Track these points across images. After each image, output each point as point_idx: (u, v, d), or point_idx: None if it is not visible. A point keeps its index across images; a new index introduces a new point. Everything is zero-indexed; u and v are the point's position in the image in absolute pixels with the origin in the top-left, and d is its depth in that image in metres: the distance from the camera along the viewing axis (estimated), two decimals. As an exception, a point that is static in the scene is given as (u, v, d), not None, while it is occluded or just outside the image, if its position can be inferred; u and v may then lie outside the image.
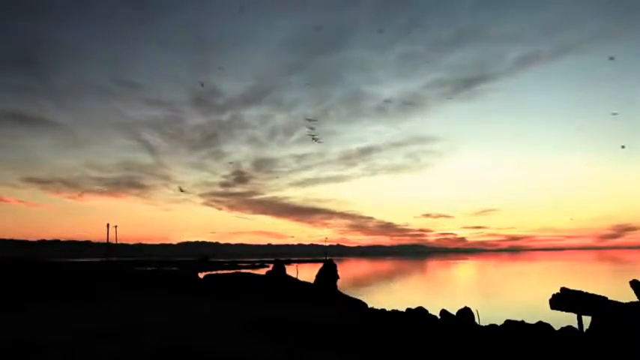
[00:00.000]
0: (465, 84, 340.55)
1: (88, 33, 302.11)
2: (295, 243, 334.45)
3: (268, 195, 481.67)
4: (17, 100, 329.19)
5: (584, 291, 15.61)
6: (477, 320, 18.48)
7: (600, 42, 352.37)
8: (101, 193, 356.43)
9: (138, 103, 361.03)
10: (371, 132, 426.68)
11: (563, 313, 15.99)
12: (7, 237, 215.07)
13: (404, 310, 21.21)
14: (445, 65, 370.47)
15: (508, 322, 16.41)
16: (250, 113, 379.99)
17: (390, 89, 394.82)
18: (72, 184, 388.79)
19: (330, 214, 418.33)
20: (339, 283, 30.04)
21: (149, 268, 64.34)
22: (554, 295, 15.95)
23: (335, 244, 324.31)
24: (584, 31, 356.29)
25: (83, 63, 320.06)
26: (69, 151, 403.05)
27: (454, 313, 19.06)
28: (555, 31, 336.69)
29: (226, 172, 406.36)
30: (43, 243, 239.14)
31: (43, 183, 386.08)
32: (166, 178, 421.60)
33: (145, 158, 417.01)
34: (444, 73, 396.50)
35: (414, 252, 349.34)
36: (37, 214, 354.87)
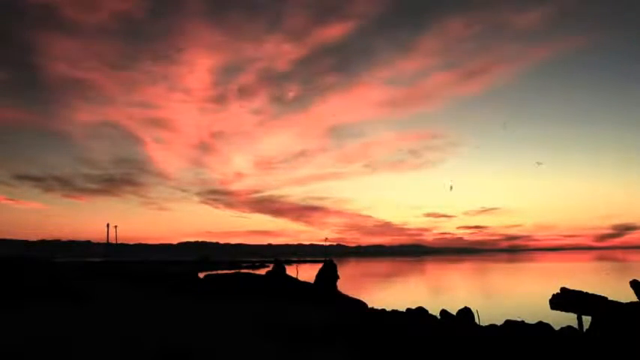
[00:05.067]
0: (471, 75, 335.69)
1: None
2: (295, 243, 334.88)
3: (266, 193, 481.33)
4: (5, 94, 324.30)
5: (584, 291, 15.64)
6: (477, 320, 18.50)
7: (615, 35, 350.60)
8: (97, 191, 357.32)
9: (131, 98, 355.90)
10: (369, 125, 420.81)
11: (563, 313, 16.02)
12: (7, 237, 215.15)
13: (404, 310, 21.23)
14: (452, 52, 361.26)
15: (508, 322, 16.43)
16: (249, 107, 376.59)
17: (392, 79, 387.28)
18: (65, 182, 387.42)
19: (329, 213, 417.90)
20: (339, 283, 30.03)
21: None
22: (554, 295, 15.99)
23: (335, 243, 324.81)
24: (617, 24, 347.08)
25: (74, 55, 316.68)
26: (60, 148, 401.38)
27: (454, 313, 19.07)
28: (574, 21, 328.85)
29: (225, 170, 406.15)
30: (43, 243, 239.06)
31: (36, 181, 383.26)
32: (162, 175, 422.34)
33: (140, 154, 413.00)
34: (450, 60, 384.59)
35: (414, 252, 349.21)
36: (33, 213, 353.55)
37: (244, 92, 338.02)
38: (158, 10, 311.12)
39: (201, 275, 39.39)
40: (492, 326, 16.92)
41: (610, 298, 15.19)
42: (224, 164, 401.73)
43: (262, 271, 37.06)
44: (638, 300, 15.04)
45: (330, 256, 38.86)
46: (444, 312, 19.42)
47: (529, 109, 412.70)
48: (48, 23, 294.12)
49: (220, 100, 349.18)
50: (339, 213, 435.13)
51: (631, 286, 15.54)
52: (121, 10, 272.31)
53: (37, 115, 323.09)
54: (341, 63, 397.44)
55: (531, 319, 16.57)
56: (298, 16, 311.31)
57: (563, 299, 15.60)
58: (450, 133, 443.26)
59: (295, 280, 30.90)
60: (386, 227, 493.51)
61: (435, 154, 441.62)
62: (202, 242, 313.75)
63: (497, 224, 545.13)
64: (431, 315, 19.84)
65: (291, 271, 37.26)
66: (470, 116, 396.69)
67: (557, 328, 15.71)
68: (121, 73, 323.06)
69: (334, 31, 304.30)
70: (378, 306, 24.69)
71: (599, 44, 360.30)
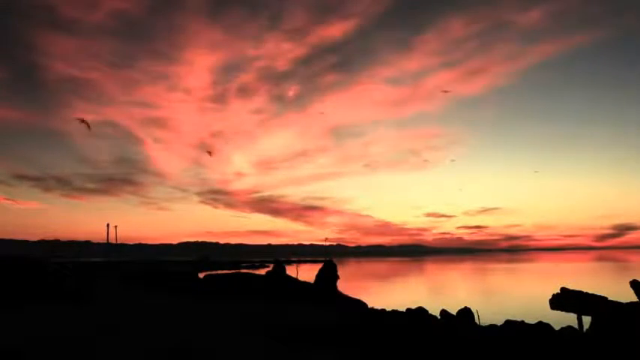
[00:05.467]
0: (472, 74, 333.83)
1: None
2: (295, 243, 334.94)
3: (266, 193, 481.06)
4: (3, 93, 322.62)
5: (584, 291, 15.63)
6: (477, 320, 18.50)
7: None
8: (96, 191, 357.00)
9: (130, 97, 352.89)
10: (369, 124, 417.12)
11: (563, 313, 16.01)
12: (6, 237, 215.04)
13: (404, 310, 21.23)
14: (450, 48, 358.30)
15: (508, 322, 16.43)
16: (249, 107, 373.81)
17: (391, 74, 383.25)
18: (64, 182, 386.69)
19: (329, 212, 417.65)
20: (339, 283, 30.03)
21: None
22: (554, 295, 15.97)
23: (335, 243, 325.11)
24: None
25: (73, 54, 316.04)
26: (60, 147, 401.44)
27: (454, 313, 19.07)
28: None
29: (224, 170, 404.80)
30: (42, 243, 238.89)
31: (35, 180, 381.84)
32: (162, 175, 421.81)
33: (140, 154, 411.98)
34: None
35: (414, 251, 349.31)
36: (33, 212, 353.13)
37: (244, 91, 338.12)
38: (157, 8, 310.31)
39: (201, 275, 39.39)
40: (492, 326, 16.92)
41: (610, 298, 15.19)
42: (224, 164, 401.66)
43: (262, 271, 37.03)
44: (638, 300, 15.03)
45: (330, 256, 38.78)
46: (444, 312, 19.41)
47: (530, 108, 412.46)
48: (46, 22, 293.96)
49: (220, 99, 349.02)
50: (339, 213, 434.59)
51: (631, 286, 15.52)
52: (120, 8, 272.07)
53: (35, 114, 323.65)
54: (341, 62, 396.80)
55: (531, 319, 16.57)
56: (298, 14, 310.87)
57: (563, 299, 15.59)
58: (451, 132, 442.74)
59: (295, 280, 30.89)
60: (386, 227, 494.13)
61: (436, 154, 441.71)
62: (202, 242, 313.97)
63: (497, 224, 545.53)
64: (431, 315, 19.83)
65: (291, 271, 37.24)
66: (470, 116, 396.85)
67: (557, 328, 15.71)
68: (120, 73, 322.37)
69: (334, 30, 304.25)
70: (378, 306, 24.70)
71: (600, 43, 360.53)
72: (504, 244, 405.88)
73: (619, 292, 19.48)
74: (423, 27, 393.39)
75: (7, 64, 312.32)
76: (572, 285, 16.53)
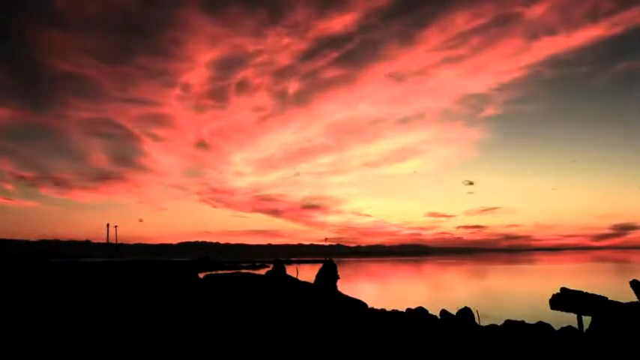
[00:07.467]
0: (477, 69, 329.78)
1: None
2: (295, 243, 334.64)
3: (266, 192, 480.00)
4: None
5: (584, 291, 15.64)
6: (477, 320, 18.51)
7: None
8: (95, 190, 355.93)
9: (127, 94, 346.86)
10: (370, 122, 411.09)
11: (563, 313, 16.02)
12: (5, 237, 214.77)
13: (404, 310, 21.25)
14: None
15: (508, 322, 16.44)
16: (249, 104, 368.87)
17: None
18: (63, 181, 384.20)
19: (329, 212, 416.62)
20: (339, 283, 30.02)
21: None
22: (554, 295, 15.98)
23: (335, 243, 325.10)
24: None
25: (68, 50, 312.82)
26: (57, 146, 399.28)
27: (454, 313, 19.08)
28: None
29: (224, 168, 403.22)
30: (42, 243, 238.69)
31: (33, 179, 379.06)
32: (160, 174, 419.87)
33: (138, 153, 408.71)
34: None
35: (414, 251, 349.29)
36: (31, 212, 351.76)
37: (244, 88, 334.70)
38: (154, 2, 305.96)
39: (201, 275, 39.44)
40: (492, 326, 16.93)
41: (610, 298, 15.20)
42: (223, 163, 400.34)
43: (262, 271, 37.06)
44: (638, 300, 15.04)
45: (329, 256, 38.71)
46: (444, 312, 19.42)
47: (532, 107, 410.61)
48: (40, 16, 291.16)
49: (219, 96, 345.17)
50: (338, 212, 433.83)
51: (631, 286, 15.53)
52: (116, 1, 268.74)
53: (33, 113, 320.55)
54: (344, 57, 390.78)
55: (531, 319, 16.59)
56: (300, 8, 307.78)
57: (563, 299, 15.60)
58: (454, 130, 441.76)
59: (295, 280, 30.90)
60: (385, 227, 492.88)
61: (437, 153, 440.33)
62: (202, 242, 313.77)
63: (497, 224, 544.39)
64: (431, 315, 19.85)
65: (291, 271, 37.25)
66: (475, 113, 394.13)
67: (557, 328, 15.73)
68: (116, 68, 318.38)
69: (337, 24, 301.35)
70: (378, 306, 24.71)
71: (605, 39, 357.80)
72: (504, 244, 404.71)
73: (619, 292, 19.50)
74: (426, 21, 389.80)
75: (2, 61, 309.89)
76: (572, 285, 16.53)
